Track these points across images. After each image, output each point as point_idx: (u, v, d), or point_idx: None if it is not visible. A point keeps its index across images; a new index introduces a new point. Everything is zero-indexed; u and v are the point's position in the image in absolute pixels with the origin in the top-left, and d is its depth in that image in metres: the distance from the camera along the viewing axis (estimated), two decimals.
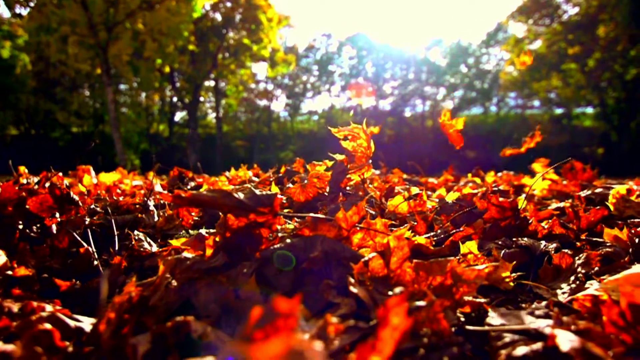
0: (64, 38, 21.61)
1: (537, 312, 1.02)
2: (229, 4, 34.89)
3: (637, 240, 1.57)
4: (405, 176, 5.40)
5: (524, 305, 1.27)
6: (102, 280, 0.89)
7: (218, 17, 36.04)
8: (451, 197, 2.26)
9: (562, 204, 2.53)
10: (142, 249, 1.58)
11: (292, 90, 50.75)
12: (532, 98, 41.96)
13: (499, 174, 4.91)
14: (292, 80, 50.30)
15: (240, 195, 1.22)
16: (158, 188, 2.17)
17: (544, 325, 0.93)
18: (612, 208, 2.29)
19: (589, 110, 38.84)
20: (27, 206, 1.70)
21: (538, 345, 0.86)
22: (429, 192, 3.40)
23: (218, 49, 35.80)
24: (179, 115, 45.34)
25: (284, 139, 50.38)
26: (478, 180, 4.62)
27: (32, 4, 21.08)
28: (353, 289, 1.02)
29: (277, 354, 0.41)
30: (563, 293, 1.32)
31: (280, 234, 1.47)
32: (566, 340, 0.79)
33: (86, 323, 1.11)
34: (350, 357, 0.61)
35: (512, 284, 1.41)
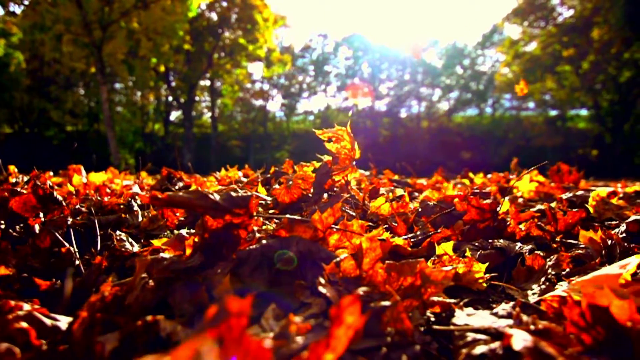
0: (58, 36, 21.53)
1: (500, 313, 1.05)
2: (224, 4, 34.87)
3: (609, 242, 1.60)
4: (395, 177, 5.44)
5: (494, 305, 1.30)
6: (67, 280, 0.91)
7: (214, 16, 36.02)
8: (433, 199, 2.29)
9: (542, 206, 2.57)
10: (123, 249, 1.60)
11: (288, 90, 50.75)
12: (526, 100, 42.14)
13: (489, 175, 4.95)
14: (288, 80, 50.30)
15: (216, 197, 1.24)
16: (136, 189, 2.19)
17: (504, 325, 0.96)
18: (591, 210, 2.33)
19: (583, 112, 39.07)
20: (10, 206, 1.71)
21: (496, 345, 0.89)
22: (416, 194, 3.44)
23: (213, 49, 35.76)
24: (174, 115, 45.23)
25: (280, 139, 50.35)
26: (467, 181, 4.66)
27: (26, 2, 21.01)
28: (322, 289, 1.05)
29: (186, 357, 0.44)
30: (533, 294, 1.36)
31: (258, 235, 1.50)
32: (520, 340, 0.81)
33: (63, 322, 1.13)
34: (304, 354, 0.64)
35: (485, 284, 1.44)
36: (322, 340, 0.67)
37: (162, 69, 28.97)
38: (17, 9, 22.25)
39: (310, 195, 2.28)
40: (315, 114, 51.92)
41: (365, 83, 47.93)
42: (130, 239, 1.67)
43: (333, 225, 1.40)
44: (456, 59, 47.25)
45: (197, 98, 41.84)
